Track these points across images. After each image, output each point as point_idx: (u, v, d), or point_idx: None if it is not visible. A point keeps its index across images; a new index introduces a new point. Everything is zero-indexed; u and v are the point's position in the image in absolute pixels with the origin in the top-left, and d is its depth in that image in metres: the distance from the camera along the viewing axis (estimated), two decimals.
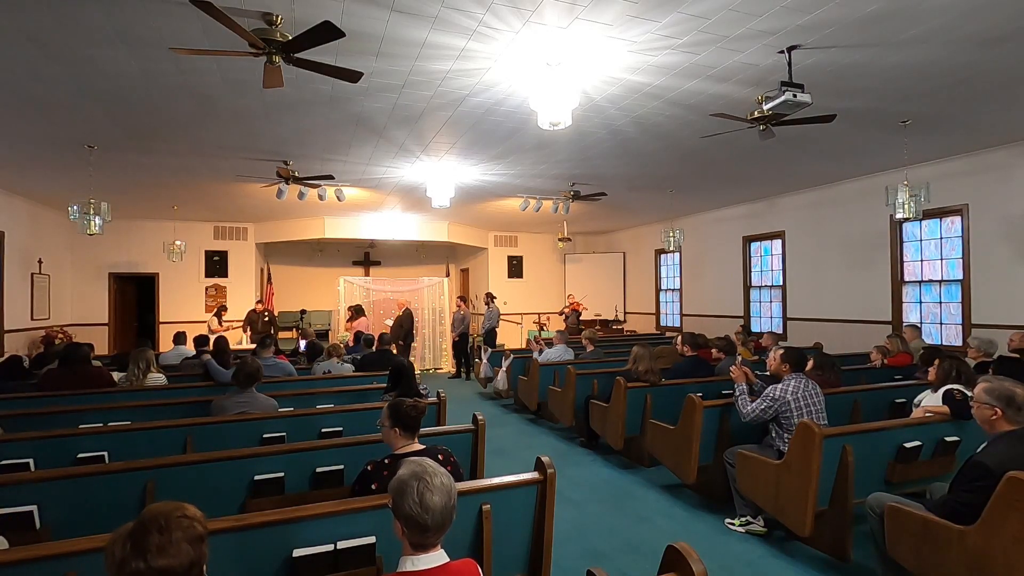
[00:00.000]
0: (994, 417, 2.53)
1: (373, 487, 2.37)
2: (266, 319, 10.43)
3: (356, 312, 10.30)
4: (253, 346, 7.56)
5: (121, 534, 1.22)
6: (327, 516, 2.04)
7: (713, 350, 6.26)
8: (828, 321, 8.57)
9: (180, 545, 1.19)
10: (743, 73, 4.35)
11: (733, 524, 3.84)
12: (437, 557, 1.49)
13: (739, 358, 4.16)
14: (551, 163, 7.21)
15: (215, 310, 10.76)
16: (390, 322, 10.83)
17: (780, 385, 3.72)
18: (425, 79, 4.46)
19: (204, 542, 1.25)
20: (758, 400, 3.77)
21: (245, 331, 10.55)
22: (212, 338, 7.39)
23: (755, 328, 9.87)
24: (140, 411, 4.15)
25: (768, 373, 4.62)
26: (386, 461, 2.44)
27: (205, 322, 10.70)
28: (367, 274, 13.94)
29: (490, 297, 11.27)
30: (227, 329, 10.07)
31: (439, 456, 2.49)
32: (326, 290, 13.34)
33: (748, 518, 3.79)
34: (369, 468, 2.44)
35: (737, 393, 3.93)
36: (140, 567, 1.16)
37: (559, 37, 3.75)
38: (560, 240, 11.72)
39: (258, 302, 11.09)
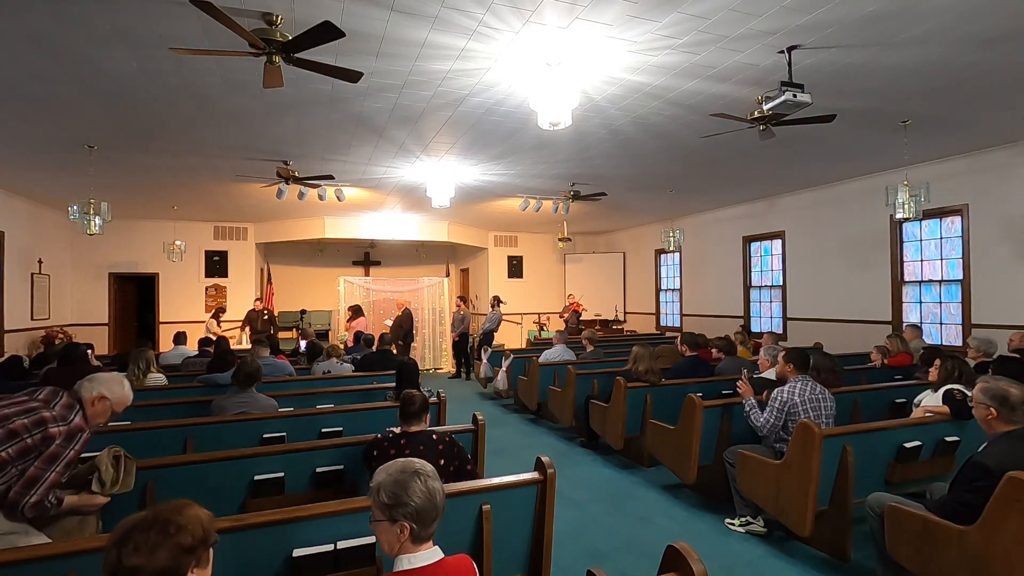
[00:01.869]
0: (990, 417, 2.54)
1: (374, 453, 2.68)
2: (265, 318, 10.41)
3: (355, 312, 10.31)
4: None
5: (125, 522, 1.22)
6: (327, 516, 2.04)
7: (713, 350, 6.27)
8: (828, 321, 8.57)
9: (156, 550, 1.17)
10: (743, 73, 4.35)
11: (733, 524, 3.83)
12: (433, 553, 1.51)
13: (744, 371, 4.11)
14: (551, 163, 7.21)
15: (213, 312, 10.76)
16: (390, 322, 10.84)
17: (786, 388, 3.70)
18: (425, 79, 4.46)
19: (191, 553, 1.22)
20: (767, 411, 3.71)
21: (243, 330, 10.53)
22: (214, 338, 7.42)
23: (755, 328, 9.87)
24: (140, 411, 4.14)
25: (759, 374, 4.61)
26: (401, 440, 2.70)
27: (204, 322, 10.72)
28: (367, 274, 13.94)
29: (496, 300, 11.22)
30: (231, 336, 10.05)
31: (446, 439, 2.75)
32: (326, 290, 13.34)
33: (748, 518, 3.79)
34: (379, 436, 2.59)
35: (748, 409, 3.86)
36: (112, 559, 1.16)
37: (559, 37, 3.76)
38: (560, 240, 11.71)
39: (256, 300, 11.07)
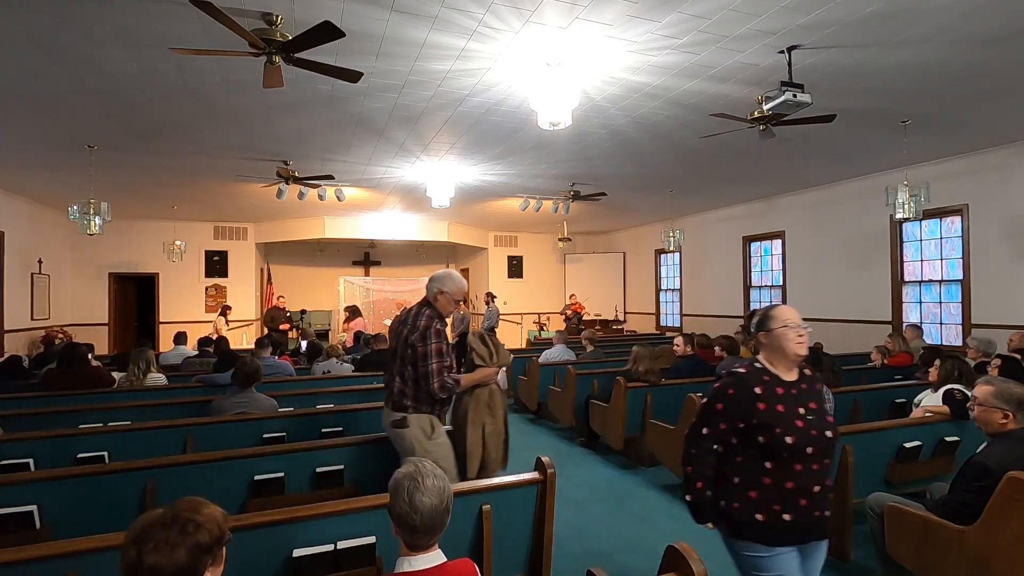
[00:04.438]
0: (1003, 420, 2.50)
1: (718, 407, 1.96)
2: (287, 314, 10.61)
3: (352, 313, 10.31)
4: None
5: (142, 519, 1.23)
6: (327, 516, 2.04)
7: (715, 348, 6.26)
8: (828, 321, 8.56)
9: (175, 549, 1.18)
10: (743, 73, 4.35)
11: None
12: (434, 557, 1.50)
13: None
14: (551, 163, 7.21)
15: (220, 309, 10.84)
16: (389, 322, 10.83)
17: None
18: (425, 79, 4.46)
19: (208, 552, 1.23)
20: None
21: (266, 326, 10.69)
22: (215, 338, 7.41)
23: None
24: (140, 411, 4.15)
25: None
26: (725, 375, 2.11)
27: (210, 322, 10.76)
28: (367, 274, 13.95)
29: (490, 296, 11.27)
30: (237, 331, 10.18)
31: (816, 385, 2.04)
32: (326, 290, 13.35)
33: None
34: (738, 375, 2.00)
35: None
36: (132, 556, 1.16)
37: (559, 37, 3.76)
38: (560, 240, 11.72)
39: (279, 298, 11.18)
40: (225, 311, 10.75)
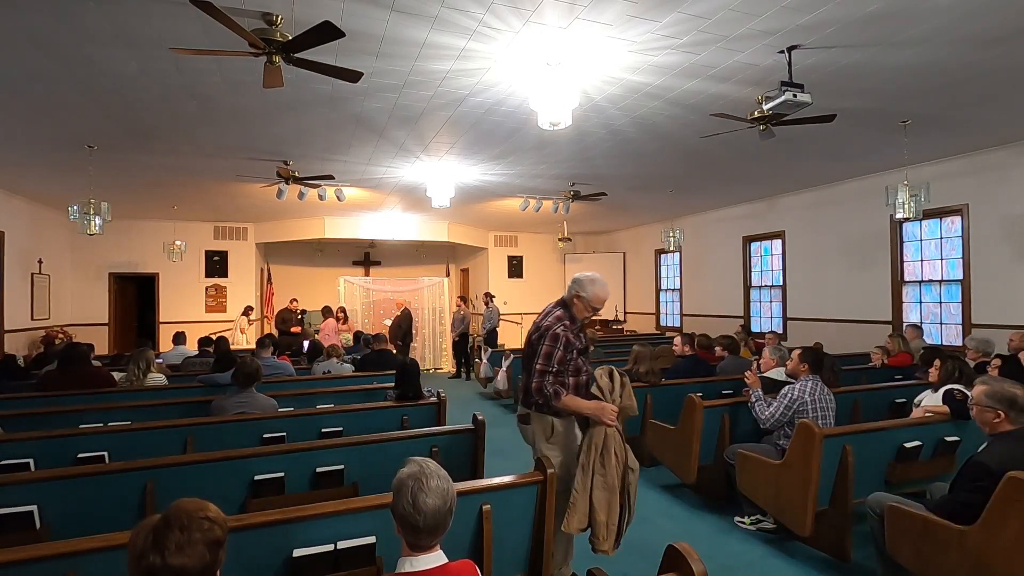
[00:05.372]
0: (996, 420, 2.52)
1: None
2: (299, 316, 10.62)
3: (324, 313, 10.19)
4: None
5: (146, 526, 1.24)
6: (327, 516, 2.04)
7: (716, 348, 6.26)
8: (828, 321, 8.57)
9: (197, 547, 1.20)
10: (743, 73, 4.35)
11: (743, 522, 3.83)
12: (435, 558, 1.50)
13: (754, 363, 4.12)
14: (551, 163, 7.21)
15: (243, 310, 10.96)
16: (389, 322, 10.85)
17: (797, 385, 3.73)
18: (425, 79, 4.46)
19: (221, 547, 1.26)
20: (775, 403, 3.75)
21: (277, 328, 10.72)
22: (215, 337, 7.41)
23: (755, 328, 9.87)
24: (140, 411, 4.15)
25: (761, 374, 4.61)
26: None
27: (216, 322, 10.82)
28: (367, 274, 13.95)
29: (489, 297, 11.27)
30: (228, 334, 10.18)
31: None
32: (326, 290, 13.33)
33: (759, 515, 3.79)
34: None
35: (754, 399, 3.90)
36: (156, 562, 1.17)
37: (559, 37, 3.76)
38: (560, 240, 11.72)
39: (292, 300, 11.21)
40: (247, 311, 10.93)
